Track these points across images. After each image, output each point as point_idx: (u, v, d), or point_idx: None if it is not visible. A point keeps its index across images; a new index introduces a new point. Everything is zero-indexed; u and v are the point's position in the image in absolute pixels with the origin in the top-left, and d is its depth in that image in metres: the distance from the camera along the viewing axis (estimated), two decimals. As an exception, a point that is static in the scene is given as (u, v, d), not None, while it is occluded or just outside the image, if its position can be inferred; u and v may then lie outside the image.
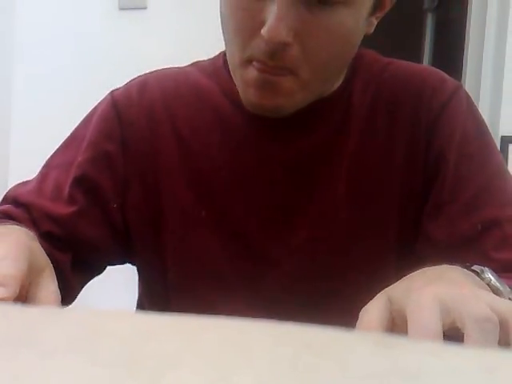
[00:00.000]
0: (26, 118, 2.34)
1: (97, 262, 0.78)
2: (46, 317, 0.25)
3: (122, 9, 2.25)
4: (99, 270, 0.78)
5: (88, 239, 0.74)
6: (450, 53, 2.46)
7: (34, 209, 0.73)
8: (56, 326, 0.23)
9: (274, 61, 0.64)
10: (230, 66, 0.71)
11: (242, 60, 0.67)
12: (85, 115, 0.81)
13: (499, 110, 1.92)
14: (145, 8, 2.24)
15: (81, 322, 0.24)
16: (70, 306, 0.71)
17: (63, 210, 0.73)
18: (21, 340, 0.21)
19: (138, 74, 0.81)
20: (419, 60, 2.91)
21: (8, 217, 0.72)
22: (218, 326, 0.23)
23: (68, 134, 0.80)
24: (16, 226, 0.64)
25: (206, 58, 0.83)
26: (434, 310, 0.44)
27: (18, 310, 0.27)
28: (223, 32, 0.70)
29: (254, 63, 0.66)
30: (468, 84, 2.06)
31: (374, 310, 0.49)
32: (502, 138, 1.91)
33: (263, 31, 0.62)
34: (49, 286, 0.53)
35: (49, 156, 0.79)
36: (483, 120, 0.77)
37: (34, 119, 2.32)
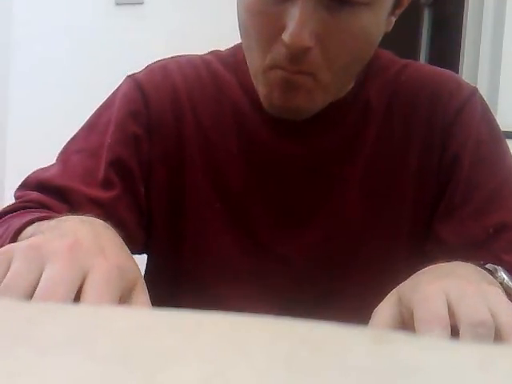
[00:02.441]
0: (22, 114, 2.34)
1: None
2: (43, 313, 0.25)
3: (118, 4, 2.25)
4: None
5: (124, 225, 0.69)
6: (447, 48, 2.46)
7: (70, 193, 0.69)
8: (53, 321, 0.23)
9: (295, 65, 0.64)
10: (250, 72, 0.71)
11: (264, 66, 0.66)
12: (83, 109, 0.80)
13: (496, 105, 1.92)
14: (141, 3, 2.23)
15: (78, 318, 0.24)
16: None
17: (102, 194, 0.70)
18: (17, 336, 0.21)
19: (135, 69, 0.80)
20: (416, 55, 2.90)
21: (41, 206, 0.68)
22: (214, 322, 0.23)
23: (65, 129, 0.79)
24: (99, 222, 0.55)
25: (204, 53, 0.82)
26: (440, 299, 0.45)
27: (14, 305, 0.27)
28: (242, 39, 0.69)
29: (275, 70, 0.65)
30: (465, 79, 2.06)
31: (384, 310, 0.51)
32: (499, 133, 1.91)
33: (285, 36, 0.61)
34: (139, 299, 0.47)
35: (64, 145, 0.76)
36: (497, 124, 0.77)
37: (30, 115, 2.32)
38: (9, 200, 0.73)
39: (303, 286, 0.75)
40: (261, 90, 0.69)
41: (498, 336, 0.43)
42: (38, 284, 0.41)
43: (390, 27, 0.71)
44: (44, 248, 0.43)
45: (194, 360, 0.19)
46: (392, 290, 0.54)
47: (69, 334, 0.21)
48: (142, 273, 0.84)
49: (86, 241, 0.46)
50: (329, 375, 0.18)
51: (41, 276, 0.41)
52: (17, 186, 0.75)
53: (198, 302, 0.75)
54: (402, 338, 0.22)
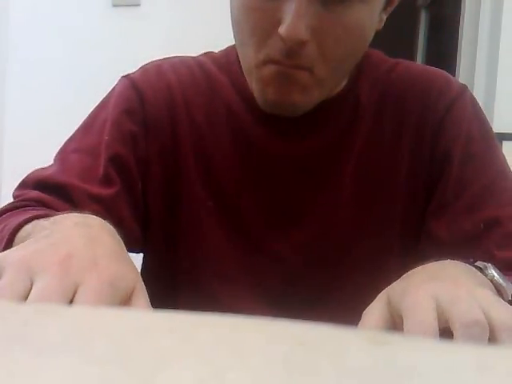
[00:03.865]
0: (19, 115, 2.33)
1: None
2: (40, 314, 0.24)
3: (115, 5, 2.25)
4: None
5: (123, 222, 0.70)
6: (444, 49, 2.46)
7: (70, 190, 0.68)
8: (50, 323, 0.23)
9: (291, 59, 0.64)
10: (243, 68, 0.71)
11: (258, 61, 0.66)
12: (80, 110, 0.79)
13: (493, 106, 1.93)
14: (138, 5, 2.23)
15: (74, 320, 0.24)
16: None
17: (102, 190, 0.69)
18: (14, 337, 0.21)
19: (131, 70, 0.80)
20: (413, 57, 2.91)
21: (40, 203, 0.67)
22: (211, 324, 0.23)
23: (62, 129, 0.79)
24: (96, 222, 0.52)
25: (197, 55, 0.82)
26: (429, 308, 0.45)
27: (11, 307, 0.27)
28: (235, 35, 0.69)
29: (270, 64, 0.65)
30: (462, 81, 2.07)
31: (374, 311, 0.50)
32: (496, 134, 1.91)
33: (281, 30, 0.62)
34: (139, 304, 0.44)
35: (61, 146, 0.75)
36: (487, 121, 0.78)
37: (27, 115, 2.32)
38: (5, 200, 0.72)
39: (296, 284, 0.75)
40: (254, 86, 0.69)
41: (491, 337, 0.43)
42: (27, 296, 0.40)
43: (382, 25, 0.71)
44: (34, 262, 0.42)
45: (192, 361, 0.19)
46: (385, 288, 0.54)
47: (65, 336, 0.21)
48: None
49: (78, 252, 0.44)
50: (326, 377, 0.18)
51: (31, 289, 0.40)
52: (14, 186, 0.74)
53: (194, 301, 0.75)
54: (399, 340, 0.22)
